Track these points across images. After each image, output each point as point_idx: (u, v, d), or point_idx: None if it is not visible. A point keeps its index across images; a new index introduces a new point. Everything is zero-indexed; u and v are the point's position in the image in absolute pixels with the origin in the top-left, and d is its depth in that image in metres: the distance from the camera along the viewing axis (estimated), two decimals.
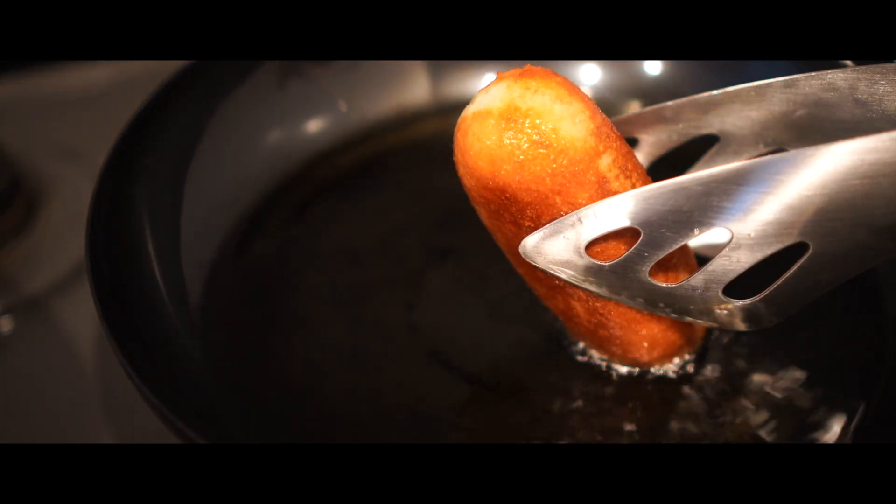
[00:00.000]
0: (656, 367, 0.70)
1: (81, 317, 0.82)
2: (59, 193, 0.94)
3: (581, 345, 0.72)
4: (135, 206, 0.75)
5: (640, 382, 0.70)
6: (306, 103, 0.88)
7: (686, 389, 0.69)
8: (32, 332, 0.83)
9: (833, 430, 0.66)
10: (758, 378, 0.69)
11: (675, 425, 0.67)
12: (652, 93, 0.88)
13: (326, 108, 0.89)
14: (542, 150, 0.59)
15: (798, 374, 0.69)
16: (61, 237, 0.90)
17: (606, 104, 0.88)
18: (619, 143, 0.61)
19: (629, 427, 0.67)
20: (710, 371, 0.70)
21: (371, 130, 0.90)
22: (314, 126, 0.88)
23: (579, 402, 0.69)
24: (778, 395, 0.68)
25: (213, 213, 0.80)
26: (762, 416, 0.67)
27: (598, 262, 0.61)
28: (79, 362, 0.80)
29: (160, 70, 0.83)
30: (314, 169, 0.87)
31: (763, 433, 0.66)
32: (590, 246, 0.61)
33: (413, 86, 0.91)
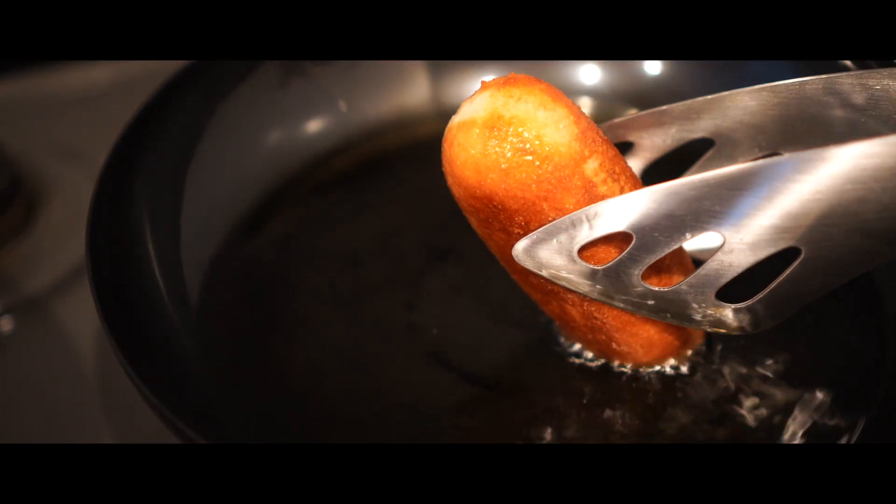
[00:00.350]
0: (655, 367, 0.70)
1: (81, 317, 0.82)
2: (59, 193, 0.94)
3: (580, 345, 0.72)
4: (135, 206, 0.75)
5: (639, 383, 0.70)
6: (306, 103, 0.88)
7: (685, 390, 0.69)
8: (32, 332, 0.83)
9: (833, 431, 0.66)
10: (757, 379, 0.69)
11: (673, 425, 0.67)
12: (651, 93, 0.88)
13: (326, 108, 0.89)
14: (526, 157, 0.59)
15: (797, 376, 0.69)
16: (61, 237, 0.90)
17: (606, 104, 0.89)
18: (605, 146, 0.61)
19: (628, 427, 0.67)
20: (709, 372, 0.70)
21: (371, 131, 0.90)
22: (314, 126, 0.88)
23: (579, 402, 0.69)
24: (777, 396, 0.68)
25: (213, 213, 0.80)
26: (761, 416, 0.67)
27: (592, 266, 0.61)
28: (79, 362, 0.80)
29: (160, 70, 0.83)
30: (314, 169, 0.87)
31: (762, 433, 0.66)
32: (582, 250, 0.61)
33: (413, 86, 0.91)
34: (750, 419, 0.67)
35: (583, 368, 0.71)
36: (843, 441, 0.65)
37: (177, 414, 0.60)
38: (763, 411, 0.67)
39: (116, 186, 0.74)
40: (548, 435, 0.67)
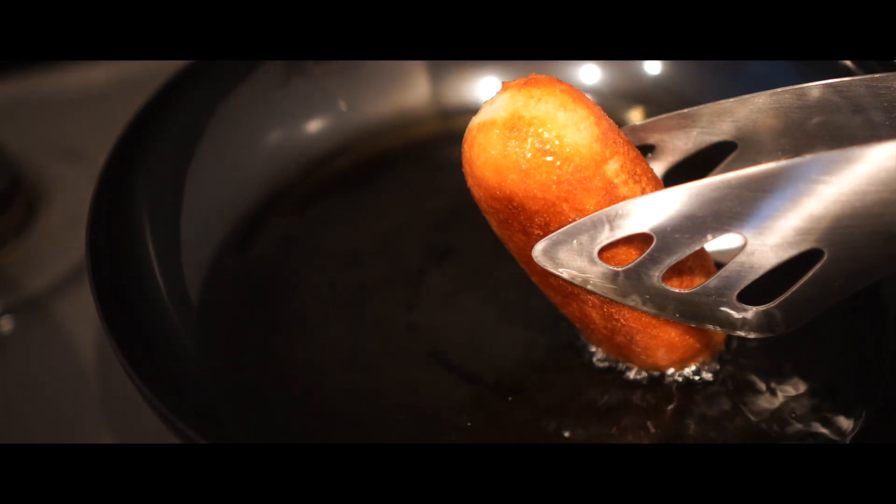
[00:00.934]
0: (674, 371, 0.69)
1: (81, 317, 0.82)
2: (59, 193, 0.94)
3: (581, 343, 0.72)
4: (135, 206, 0.75)
5: (640, 382, 0.69)
6: (307, 103, 0.88)
7: (685, 391, 0.69)
8: (32, 332, 0.83)
9: (834, 431, 0.66)
10: (758, 380, 0.69)
11: (673, 426, 0.67)
12: (652, 93, 0.88)
13: (327, 108, 0.89)
14: (546, 158, 0.59)
15: (802, 377, 0.69)
16: (61, 237, 0.90)
17: (606, 105, 0.89)
18: (626, 148, 0.61)
19: (629, 427, 0.67)
20: (721, 376, 0.69)
21: (371, 131, 0.90)
22: (314, 126, 0.88)
23: (580, 403, 0.69)
24: (777, 396, 0.68)
25: (213, 213, 0.80)
26: (761, 417, 0.67)
27: (612, 268, 0.61)
28: (79, 362, 0.80)
29: (160, 70, 0.83)
30: (314, 169, 0.87)
31: (767, 432, 0.66)
32: (603, 251, 0.61)
33: (413, 86, 0.91)
34: (754, 421, 0.67)
35: (583, 368, 0.71)
36: (843, 441, 0.65)
37: (177, 414, 0.60)
38: (764, 412, 0.67)
39: (116, 186, 0.74)
40: (548, 435, 0.67)
